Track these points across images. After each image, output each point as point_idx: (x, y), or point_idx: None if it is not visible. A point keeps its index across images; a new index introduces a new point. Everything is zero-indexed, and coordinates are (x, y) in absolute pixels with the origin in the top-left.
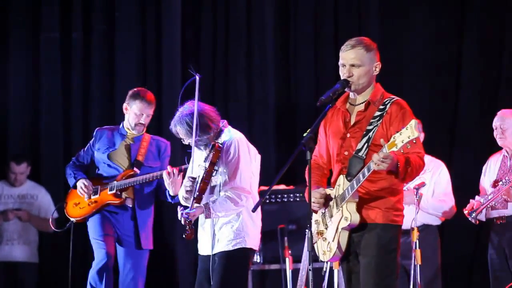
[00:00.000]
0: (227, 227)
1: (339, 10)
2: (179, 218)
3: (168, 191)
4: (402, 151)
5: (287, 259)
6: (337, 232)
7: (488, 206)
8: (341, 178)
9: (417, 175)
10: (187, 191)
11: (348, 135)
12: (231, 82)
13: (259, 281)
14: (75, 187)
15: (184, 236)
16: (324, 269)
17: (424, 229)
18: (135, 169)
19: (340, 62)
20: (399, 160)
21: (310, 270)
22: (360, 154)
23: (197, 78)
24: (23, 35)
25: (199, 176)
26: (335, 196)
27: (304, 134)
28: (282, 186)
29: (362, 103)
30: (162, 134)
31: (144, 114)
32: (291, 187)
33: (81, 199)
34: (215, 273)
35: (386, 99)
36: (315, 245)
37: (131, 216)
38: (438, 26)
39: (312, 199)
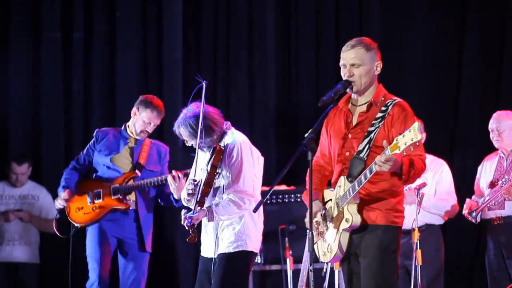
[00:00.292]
0: (228, 229)
1: (339, 11)
2: (182, 222)
3: (173, 195)
4: (404, 153)
5: (288, 260)
6: (338, 233)
7: (487, 206)
8: (342, 179)
9: (419, 177)
10: (189, 193)
11: (350, 135)
12: (232, 82)
13: (260, 281)
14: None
15: (187, 239)
16: (324, 270)
17: (427, 228)
18: (136, 171)
19: (341, 62)
20: (404, 162)
21: (311, 270)
22: (361, 155)
23: (204, 84)
24: (24, 35)
25: (201, 180)
26: (335, 197)
27: (306, 135)
28: (283, 187)
29: (364, 103)
30: (163, 135)
31: (152, 123)
32: (292, 187)
33: (84, 203)
34: (215, 274)
35: (388, 101)
36: (315, 246)
37: (134, 218)
38: (439, 26)
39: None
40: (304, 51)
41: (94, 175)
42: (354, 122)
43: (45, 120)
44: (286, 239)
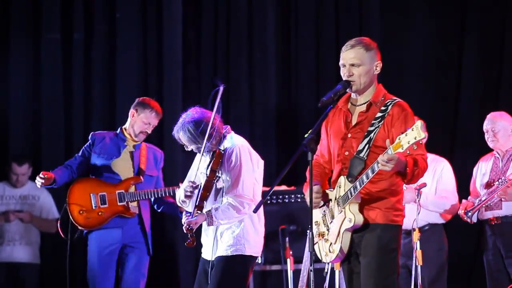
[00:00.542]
0: (228, 232)
1: (339, 11)
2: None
3: (179, 209)
4: (407, 152)
5: (288, 260)
6: (340, 233)
7: (483, 206)
8: (342, 179)
9: (421, 177)
10: (186, 195)
11: (349, 135)
12: (232, 83)
13: (260, 281)
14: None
15: (185, 244)
16: (326, 270)
17: (430, 228)
18: (141, 177)
19: (341, 62)
20: (408, 161)
21: (311, 270)
22: (361, 155)
23: (221, 88)
24: (24, 35)
25: (201, 184)
26: (336, 197)
27: (306, 135)
28: (283, 187)
29: (363, 103)
30: (164, 136)
31: (151, 124)
32: (293, 188)
33: (88, 205)
34: (212, 276)
35: (388, 101)
36: (315, 246)
37: (137, 222)
38: (439, 26)
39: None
40: (304, 51)
41: (95, 177)
42: (354, 122)
43: (45, 121)
44: (287, 239)
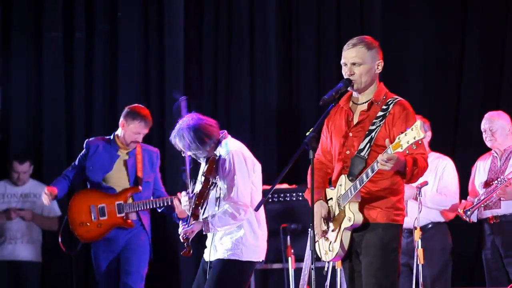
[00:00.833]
0: (227, 236)
1: (340, 11)
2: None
3: (176, 214)
4: (407, 151)
5: (289, 258)
6: (340, 232)
7: (482, 205)
8: (343, 177)
9: (421, 176)
10: (185, 208)
11: (351, 134)
12: (234, 83)
13: (262, 280)
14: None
15: (181, 253)
16: (326, 269)
17: (433, 226)
18: (139, 187)
19: (342, 61)
20: (407, 161)
21: (312, 269)
22: (362, 154)
23: (183, 102)
24: (26, 35)
25: (196, 191)
26: (336, 196)
27: (307, 134)
28: (284, 185)
29: (365, 102)
30: (165, 137)
31: (141, 133)
32: (294, 186)
33: (88, 218)
34: (208, 278)
35: (389, 99)
36: (316, 245)
37: (138, 224)
38: (439, 26)
39: (317, 213)
40: (305, 51)
41: (93, 188)
42: (355, 121)
43: (46, 119)
44: (288, 237)
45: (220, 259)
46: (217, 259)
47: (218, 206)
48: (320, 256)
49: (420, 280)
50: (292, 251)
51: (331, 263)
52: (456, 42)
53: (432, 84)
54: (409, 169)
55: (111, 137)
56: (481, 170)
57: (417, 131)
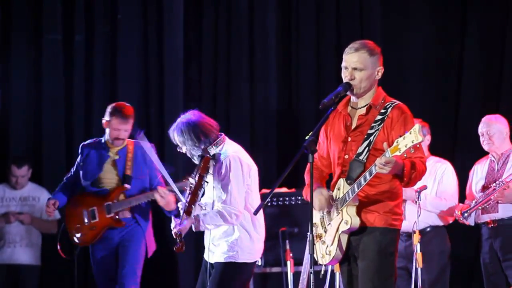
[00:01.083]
0: (223, 239)
1: (340, 12)
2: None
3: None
4: (405, 155)
5: (288, 262)
6: (337, 236)
7: (479, 208)
8: (341, 181)
9: (419, 180)
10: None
11: (349, 138)
12: (233, 83)
13: (261, 284)
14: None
15: (174, 249)
16: (323, 272)
17: (432, 230)
18: (125, 185)
19: (343, 64)
20: (405, 164)
21: (311, 273)
22: (360, 158)
23: (142, 134)
24: (25, 37)
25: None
26: (334, 199)
27: (306, 137)
28: (284, 189)
29: (363, 106)
30: (165, 137)
31: (121, 129)
32: (293, 190)
33: (81, 221)
34: (210, 282)
35: (388, 103)
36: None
37: (134, 222)
38: (439, 26)
39: (318, 199)
40: (304, 53)
41: (86, 191)
42: (354, 125)
43: (46, 122)
44: (287, 241)
45: (218, 262)
46: (216, 262)
47: (212, 206)
48: (316, 259)
49: (419, 283)
50: (291, 254)
51: (329, 266)
52: (456, 42)
53: (432, 84)
54: (407, 172)
55: (103, 139)
56: (478, 173)
57: (416, 135)
